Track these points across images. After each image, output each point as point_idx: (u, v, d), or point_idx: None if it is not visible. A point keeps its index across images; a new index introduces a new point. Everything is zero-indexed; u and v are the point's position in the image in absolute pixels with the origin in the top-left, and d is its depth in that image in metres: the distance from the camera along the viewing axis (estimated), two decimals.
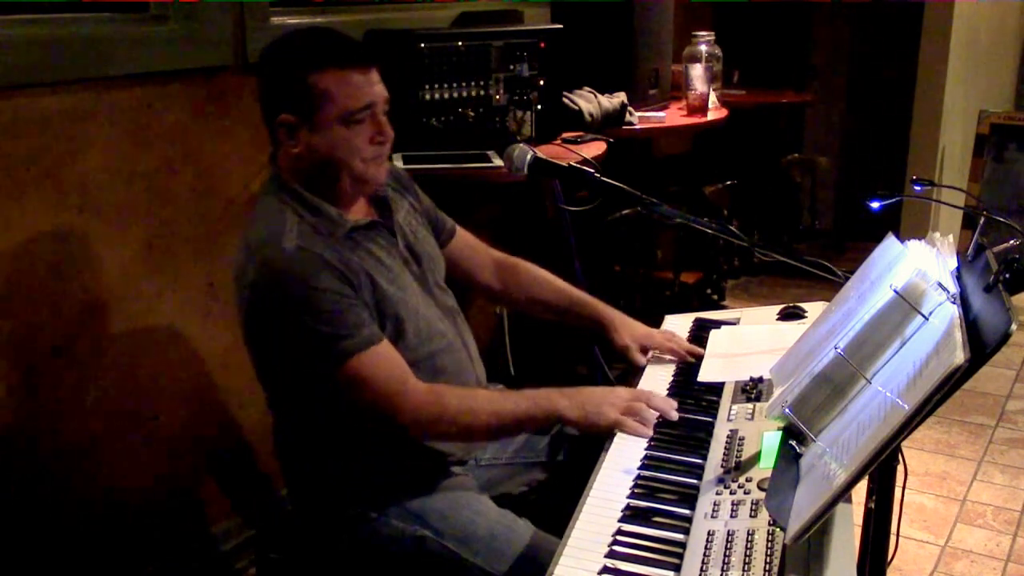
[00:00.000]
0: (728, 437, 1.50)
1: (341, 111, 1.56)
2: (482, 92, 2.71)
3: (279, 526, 1.82)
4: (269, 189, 1.65)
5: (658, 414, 1.58)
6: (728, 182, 4.05)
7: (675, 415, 1.59)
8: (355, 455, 1.64)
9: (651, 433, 1.54)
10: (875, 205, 1.67)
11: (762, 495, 1.29)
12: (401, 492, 1.63)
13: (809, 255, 1.76)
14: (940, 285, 1.27)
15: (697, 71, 3.32)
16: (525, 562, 1.54)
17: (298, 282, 1.51)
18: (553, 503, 1.88)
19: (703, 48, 3.53)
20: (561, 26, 2.78)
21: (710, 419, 1.59)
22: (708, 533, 1.25)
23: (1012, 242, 1.47)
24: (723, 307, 4.02)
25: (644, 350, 1.89)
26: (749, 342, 1.88)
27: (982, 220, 1.45)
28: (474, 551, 1.58)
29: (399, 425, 1.55)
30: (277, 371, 1.63)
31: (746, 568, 1.16)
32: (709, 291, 4.20)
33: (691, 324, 2.04)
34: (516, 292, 1.99)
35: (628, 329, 1.91)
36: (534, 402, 1.59)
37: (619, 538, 1.28)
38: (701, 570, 1.18)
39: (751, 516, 1.26)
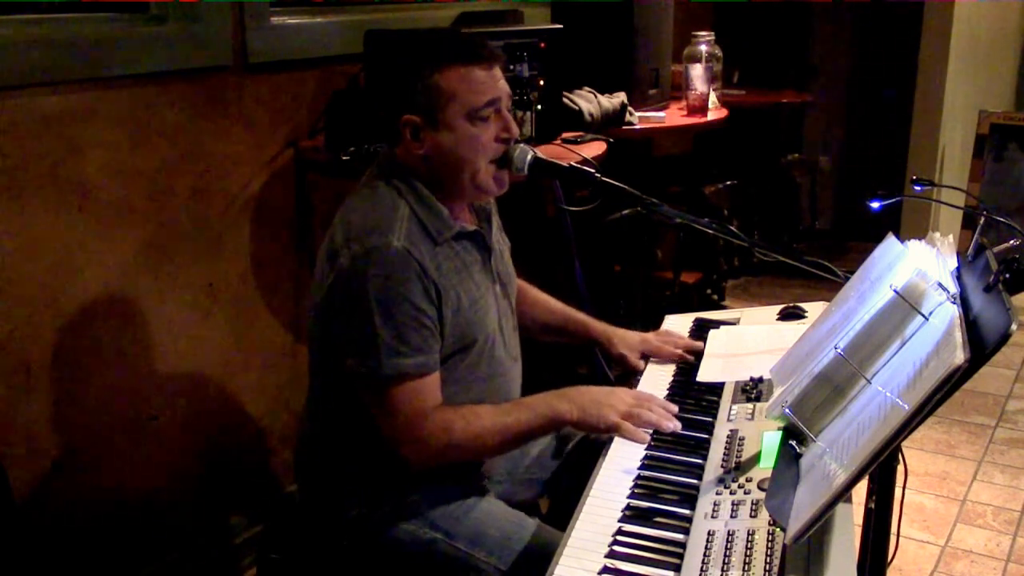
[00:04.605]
0: (728, 437, 1.50)
1: (466, 108, 1.55)
2: None
3: (284, 525, 1.81)
4: (383, 173, 1.63)
5: (658, 417, 1.57)
6: (728, 182, 4.04)
7: (670, 426, 1.56)
8: (377, 459, 1.63)
9: (648, 440, 1.54)
10: (875, 205, 1.67)
11: (762, 495, 1.29)
12: (412, 495, 1.63)
13: (809, 255, 1.76)
14: (940, 285, 1.27)
15: (697, 71, 3.31)
16: (537, 558, 1.53)
17: (389, 282, 1.50)
18: (558, 504, 1.88)
19: (703, 48, 3.53)
20: (561, 26, 2.77)
21: (710, 419, 1.59)
22: (708, 533, 1.25)
23: (1012, 242, 1.47)
24: (723, 307, 4.02)
25: (642, 356, 1.89)
26: (749, 342, 1.88)
27: (982, 220, 1.45)
28: (486, 551, 1.58)
29: (401, 455, 1.55)
30: (331, 358, 1.59)
31: (746, 568, 1.16)
32: (709, 291, 4.20)
33: (691, 324, 2.04)
34: (527, 317, 1.97)
35: (621, 339, 1.92)
36: (535, 411, 1.59)
37: (619, 538, 1.28)
38: (701, 570, 1.18)
39: (751, 516, 1.26)
